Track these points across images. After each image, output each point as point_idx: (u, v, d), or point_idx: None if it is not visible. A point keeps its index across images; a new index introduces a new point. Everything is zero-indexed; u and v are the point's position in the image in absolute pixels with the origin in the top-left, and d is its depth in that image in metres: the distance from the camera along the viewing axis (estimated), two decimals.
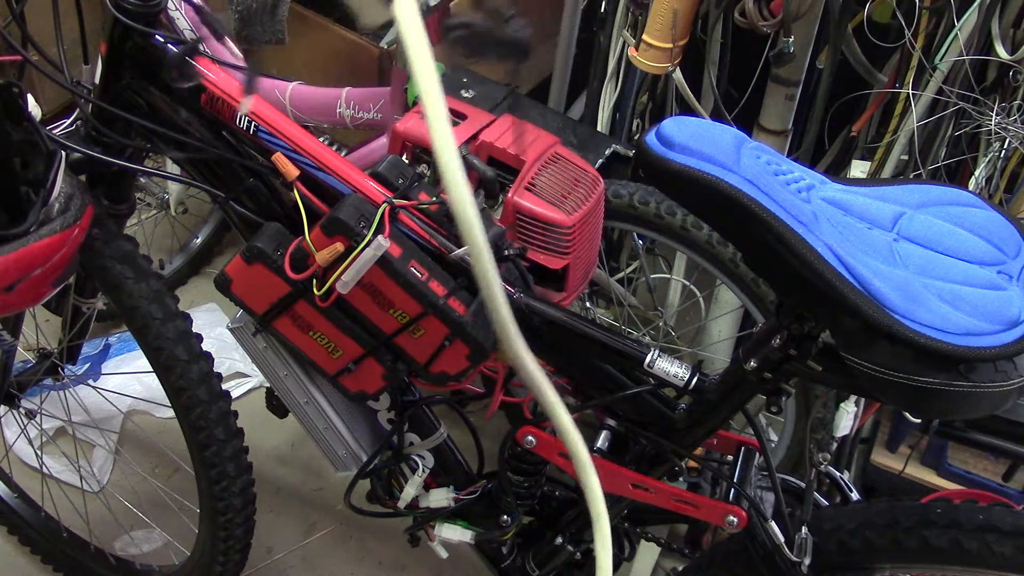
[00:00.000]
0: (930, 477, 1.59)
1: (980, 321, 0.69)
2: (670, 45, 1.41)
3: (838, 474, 1.05)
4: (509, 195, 1.09)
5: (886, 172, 1.46)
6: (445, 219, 0.93)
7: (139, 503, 1.61)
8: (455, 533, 1.12)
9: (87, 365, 1.79)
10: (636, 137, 1.74)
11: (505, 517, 1.08)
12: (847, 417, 1.38)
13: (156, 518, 1.60)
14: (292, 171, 0.94)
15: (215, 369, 1.15)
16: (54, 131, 1.03)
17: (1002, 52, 1.30)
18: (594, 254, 1.19)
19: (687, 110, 1.59)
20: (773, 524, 0.89)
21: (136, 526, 1.61)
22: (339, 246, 0.87)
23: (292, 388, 1.05)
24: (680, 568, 1.09)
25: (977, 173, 1.39)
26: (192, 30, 1.37)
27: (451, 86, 1.43)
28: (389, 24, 1.81)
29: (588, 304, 1.70)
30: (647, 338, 1.71)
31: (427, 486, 1.12)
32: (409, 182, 0.96)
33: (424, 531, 1.15)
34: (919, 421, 1.49)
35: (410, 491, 1.10)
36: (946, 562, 0.84)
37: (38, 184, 0.95)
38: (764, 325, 0.83)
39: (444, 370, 0.95)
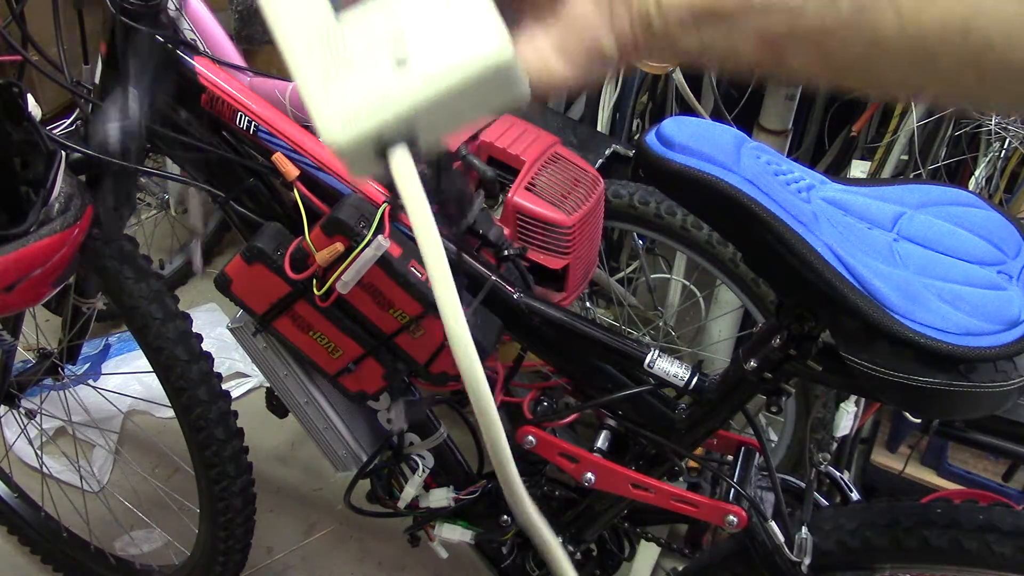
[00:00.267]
0: (930, 477, 1.59)
1: (980, 321, 0.69)
2: None
3: (838, 474, 1.06)
4: (509, 195, 1.09)
5: (886, 172, 1.46)
6: (446, 219, 0.93)
7: (139, 503, 1.61)
8: (455, 533, 1.12)
9: (87, 365, 1.79)
10: (636, 137, 1.74)
11: (505, 517, 1.08)
12: (847, 417, 1.38)
13: (156, 518, 1.60)
14: (292, 171, 0.94)
15: (215, 369, 1.15)
16: (54, 131, 1.03)
17: None
18: (594, 254, 1.19)
19: (687, 110, 1.59)
20: (773, 524, 0.89)
21: (136, 526, 1.61)
22: (339, 246, 0.87)
23: (292, 388, 1.05)
24: (680, 568, 1.09)
25: (977, 173, 1.39)
26: (192, 29, 1.36)
27: None
28: None
29: (588, 304, 1.70)
30: (647, 338, 1.71)
31: (427, 486, 1.12)
32: None
33: (424, 531, 1.15)
34: (919, 421, 1.49)
35: (410, 491, 1.10)
36: (946, 562, 0.84)
37: (38, 184, 0.95)
38: (764, 325, 0.83)
39: (444, 370, 0.95)
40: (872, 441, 1.60)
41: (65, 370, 1.41)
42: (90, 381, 1.66)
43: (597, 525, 1.05)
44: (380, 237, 0.87)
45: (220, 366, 1.17)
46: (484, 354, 0.93)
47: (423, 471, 1.10)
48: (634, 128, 1.74)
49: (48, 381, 1.45)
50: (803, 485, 0.97)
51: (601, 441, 0.99)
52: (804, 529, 0.90)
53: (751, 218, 0.70)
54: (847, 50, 0.35)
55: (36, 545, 1.55)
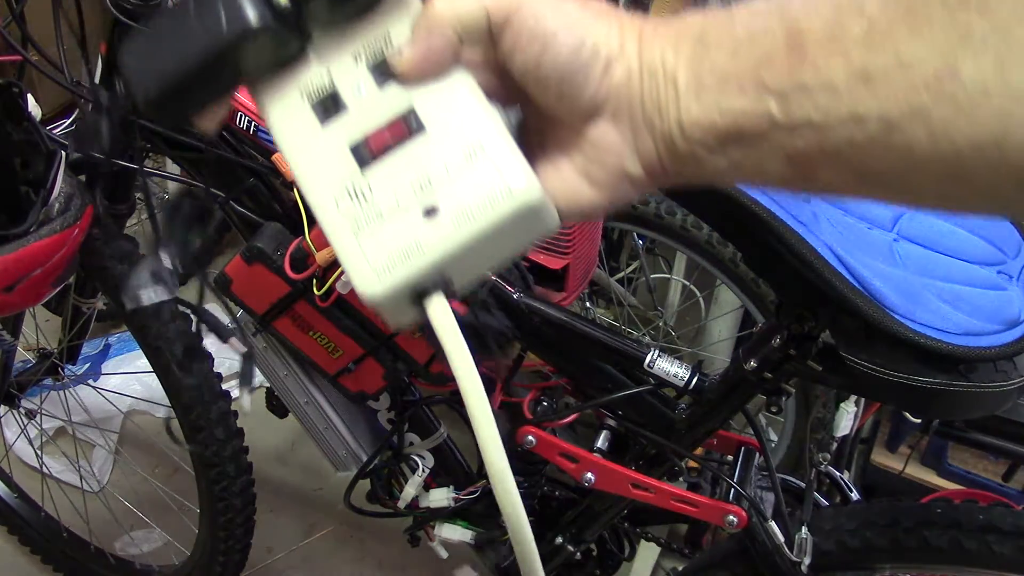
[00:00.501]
0: (930, 477, 1.59)
1: (980, 321, 0.69)
2: None
3: (838, 474, 1.06)
4: None
5: None
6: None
7: (139, 503, 1.61)
8: (455, 533, 1.12)
9: (87, 365, 1.79)
10: None
11: None
12: (847, 417, 1.38)
13: (156, 518, 1.60)
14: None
15: (215, 369, 1.15)
16: (54, 131, 1.03)
17: None
18: (594, 254, 1.19)
19: None
20: (773, 524, 0.89)
21: (136, 526, 1.61)
22: None
23: (292, 388, 1.05)
24: (680, 568, 1.09)
25: None
26: None
27: None
28: None
29: (588, 304, 1.70)
30: (647, 338, 1.71)
31: (427, 486, 1.12)
32: None
33: (424, 531, 1.15)
34: (919, 421, 1.49)
35: (410, 491, 1.10)
36: (946, 562, 0.84)
37: (38, 184, 0.95)
38: (764, 325, 0.83)
39: (444, 370, 0.95)
40: (872, 441, 1.60)
41: (65, 370, 1.41)
42: (90, 381, 1.66)
43: (597, 525, 1.05)
44: None
45: (220, 366, 1.17)
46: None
47: (423, 471, 1.10)
48: None
49: (48, 381, 1.45)
50: (803, 485, 0.97)
51: (601, 441, 0.99)
52: (804, 529, 0.90)
53: (751, 218, 0.70)
54: (881, 166, 0.34)
55: (36, 545, 1.55)
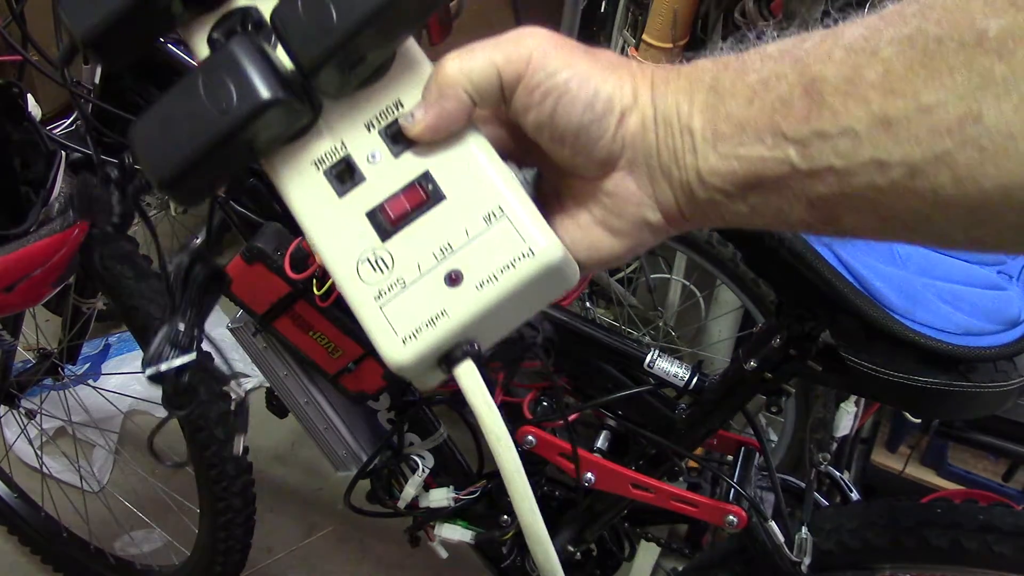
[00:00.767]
0: (930, 477, 1.59)
1: (980, 321, 0.69)
2: (670, 45, 1.41)
3: (838, 474, 1.06)
4: None
5: None
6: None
7: (139, 503, 1.61)
8: (455, 533, 1.12)
9: (87, 365, 1.79)
10: None
11: (505, 517, 1.08)
12: (847, 417, 1.38)
13: (156, 518, 1.60)
14: None
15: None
16: (54, 131, 1.03)
17: None
18: None
19: None
20: (773, 524, 0.89)
21: (136, 526, 1.61)
22: None
23: (292, 388, 1.05)
24: (680, 568, 1.09)
25: None
26: None
27: None
28: None
29: (588, 304, 1.70)
30: (647, 338, 1.71)
31: (427, 486, 1.11)
32: None
33: (424, 531, 1.15)
34: (919, 421, 1.49)
35: (410, 491, 1.10)
36: (946, 562, 0.84)
37: (38, 184, 0.95)
38: (764, 325, 0.83)
39: None
40: (872, 441, 1.60)
41: (65, 370, 1.41)
42: (90, 381, 1.66)
43: (597, 525, 1.05)
44: None
45: (220, 366, 1.16)
46: None
47: (423, 471, 1.10)
48: None
49: (48, 381, 1.45)
50: (803, 485, 0.97)
51: (601, 441, 0.99)
52: (804, 529, 0.90)
53: None
54: (905, 210, 0.34)
55: (36, 545, 1.55)
